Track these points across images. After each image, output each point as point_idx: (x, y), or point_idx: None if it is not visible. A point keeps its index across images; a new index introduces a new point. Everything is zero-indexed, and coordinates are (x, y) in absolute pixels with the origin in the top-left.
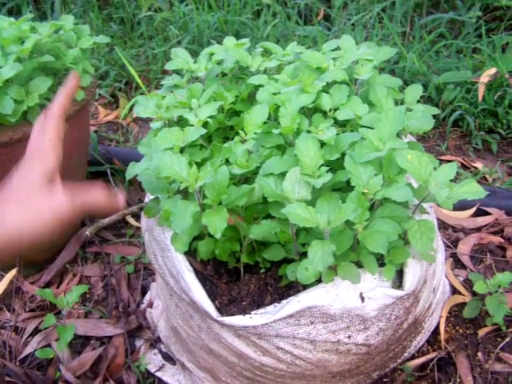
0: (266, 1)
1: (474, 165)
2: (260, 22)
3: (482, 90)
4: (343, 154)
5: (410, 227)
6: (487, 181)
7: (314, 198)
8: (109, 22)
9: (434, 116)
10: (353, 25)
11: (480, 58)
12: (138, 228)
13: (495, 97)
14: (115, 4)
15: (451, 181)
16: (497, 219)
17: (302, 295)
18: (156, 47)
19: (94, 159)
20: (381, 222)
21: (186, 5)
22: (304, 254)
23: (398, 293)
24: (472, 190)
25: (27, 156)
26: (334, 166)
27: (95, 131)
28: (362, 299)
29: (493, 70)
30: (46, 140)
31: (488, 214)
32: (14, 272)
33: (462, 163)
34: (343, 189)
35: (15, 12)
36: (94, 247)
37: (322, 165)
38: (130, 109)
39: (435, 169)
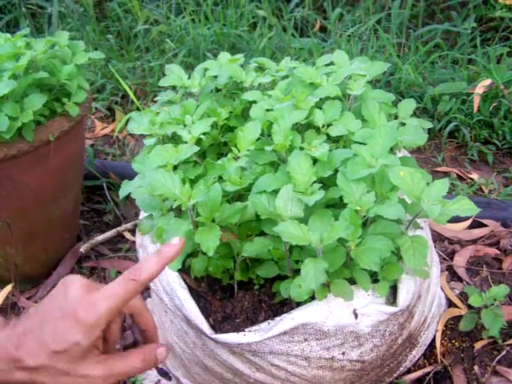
0: (262, 13)
1: (470, 176)
2: (256, 34)
3: (477, 101)
4: (336, 171)
5: (403, 244)
6: (483, 192)
7: (306, 215)
8: (106, 35)
9: (430, 128)
10: (349, 36)
11: (475, 68)
12: (134, 242)
13: (490, 108)
14: (112, 17)
15: (446, 193)
16: (493, 231)
17: (295, 312)
18: (152, 60)
19: (90, 173)
20: (373, 238)
21: (183, 17)
22: (297, 271)
23: (392, 309)
24: (465, 206)
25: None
26: (327, 182)
27: (91, 145)
28: (356, 316)
29: (488, 81)
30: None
31: (484, 225)
32: (9, 287)
33: (457, 174)
34: (336, 205)
35: (13, 25)
36: (90, 262)
37: (314, 181)
38: (127, 122)
39: (428, 184)
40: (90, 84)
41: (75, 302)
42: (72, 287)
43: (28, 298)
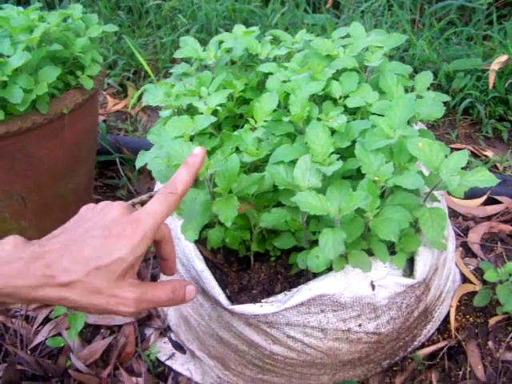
0: None
1: (485, 153)
2: (268, 10)
3: (492, 78)
4: (354, 142)
5: (422, 215)
6: (498, 169)
7: (324, 186)
8: (117, 11)
9: (445, 103)
10: (362, 12)
11: (491, 45)
12: None
13: (506, 84)
14: None
15: (462, 169)
16: (507, 207)
17: (312, 283)
18: (164, 36)
19: (103, 148)
20: (392, 209)
21: None
22: (314, 242)
23: (409, 281)
24: (483, 177)
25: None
26: (345, 153)
27: (104, 121)
28: (373, 287)
29: (504, 57)
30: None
31: (499, 202)
32: None
33: (472, 151)
34: (354, 177)
35: (23, 2)
36: None
37: (332, 152)
38: (139, 98)
39: (446, 156)
40: (103, 60)
41: (120, 220)
42: (113, 208)
43: None
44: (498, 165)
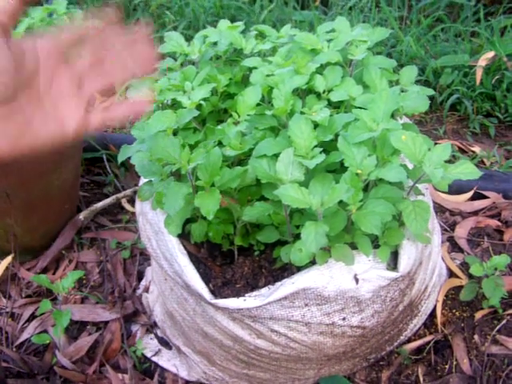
0: None
1: (472, 149)
2: (256, 6)
3: (479, 74)
4: (337, 135)
5: (405, 208)
6: (485, 164)
7: (307, 180)
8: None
9: (431, 99)
10: (350, 9)
11: (478, 41)
12: (134, 213)
13: (493, 80)
14: None
15: (447, 162)
16: (494, 202)
17: (296, 277)
18: (152, 33)
19: (90, 145)
20: (375, 202)
21: None
22: (298, 236)
23: (393, 274)
24: (467, 170)
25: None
26: (328, 147)
27: None
28: (357, 281)
29: (491, 54)
30: None
31: (485, 197)
32: (9, 258)
33: (459, 147)
34: (337, 171)
35: None
36: (90, 233)
37: (315, 146)
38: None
39: (429, 149)
40: None
41: None
42: None
43: (28, 269)
44: (485, 160)
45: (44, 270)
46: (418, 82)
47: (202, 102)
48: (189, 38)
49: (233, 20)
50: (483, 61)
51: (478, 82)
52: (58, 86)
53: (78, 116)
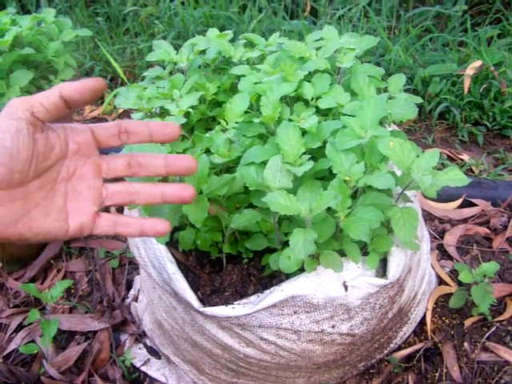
0: None
1: (461, 157)
2: (245, 16)
3: (467, 83)
4: (325, 142)
5: (393, 215)
6: (473, 172)
7: (295, 187)
8: (95, 18)
9: (420, 108)
10: (339, 19)
11: (466, 51)
12: None
13: (481, 89)
14: (101, 0)
15: (436, 170)
16: (483, 210)
17: (284, 285)
18: (141, 43)
19: None
20: (363, 209)
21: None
22: (287, 243)
23: (382, 281)
24: (456, 177)
25: None
26: (316, 154)
27: None
28: (346, 288)
29: (478, 63)
30: None
31: (474, 205)
32: None
33: (448, 155)
34: (326, 178)
35: (0, 9)
36: (79, 242)
37: (303, 153)
38: (112, 103)
39: (418, 156)
40: (79, 66)
41: None
42: None
43: (16, 279)
44: (473, 168)
45: (32, 280)
46: (406, 90)
47: (190, 110)
48: (178, 48)
49: (222, 30)
50: (471, 70)
51: (466, 90)
52: (78, 178)
53: (86, 214)
